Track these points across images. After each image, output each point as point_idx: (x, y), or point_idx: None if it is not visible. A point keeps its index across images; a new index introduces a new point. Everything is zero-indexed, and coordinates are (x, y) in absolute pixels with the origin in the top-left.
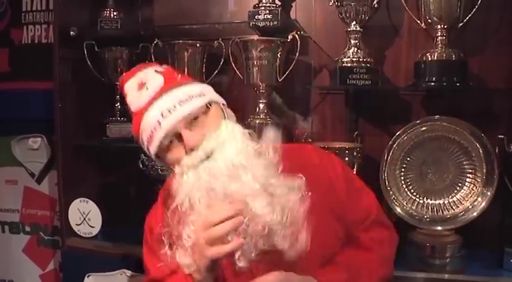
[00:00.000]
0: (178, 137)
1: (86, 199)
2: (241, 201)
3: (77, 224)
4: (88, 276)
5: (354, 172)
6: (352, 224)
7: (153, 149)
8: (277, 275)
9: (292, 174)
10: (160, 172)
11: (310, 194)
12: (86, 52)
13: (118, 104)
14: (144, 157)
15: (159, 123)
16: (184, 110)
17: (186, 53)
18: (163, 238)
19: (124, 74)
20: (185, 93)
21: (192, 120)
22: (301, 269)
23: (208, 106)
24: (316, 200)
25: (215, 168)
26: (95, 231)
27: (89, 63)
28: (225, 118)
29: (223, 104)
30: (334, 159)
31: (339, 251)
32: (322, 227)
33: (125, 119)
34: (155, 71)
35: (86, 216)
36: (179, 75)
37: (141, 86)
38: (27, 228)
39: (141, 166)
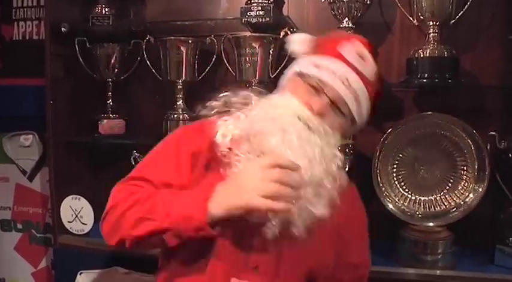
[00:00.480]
0: (317, 95)
1: (78, 196)
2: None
3: (69, 221)
4: (80, 274)
5: (346, 169)
6: (344, 268)
7: (306, 68)
8: None
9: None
10: None
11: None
12: (77, 48)
13: (110, 100)
14: (136, 154)
15: (337, 77)
16: (350, 100)
17: (178, 50)
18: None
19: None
20: (364, 96)
21: (334, 107)
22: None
23: (351, 118)
24: (331, 223)
25: (305, 134)
26: (87, 228)
27: (80, 59)
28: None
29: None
30: (364, 215)
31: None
32: (324, 247)
33: (117, 116)
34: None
35: (78, 213)
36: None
37: (361, 57)
38: (19, 226)
39: (133, 163)
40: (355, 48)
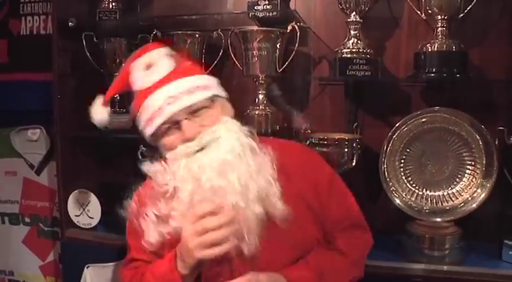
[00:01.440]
0: (177, 123)
1: (85, 190)
2: (230, 209)
3: (76, 215)
4: (87, 267)
5: (353, 164)
6: (329, 225)
7: (149, 131)
8: (248, 277)
9: (279, 170)
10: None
11: (292, 190)
12: (84, 43)
13: (117, 95)
14: (143, 148)
15: (161, 109)
16: (188, 100)
17: (185, 44)
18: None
19: (133, 53)
20: (192, 83)
21: (194, 112)
22: (270, 260)
23: (212, 100)
24: (296, 197)
25: (206, 161)
26: (94, 222)
27: (87, 54)
28: (226, 114)
29: (225, 102)
30: (320, 161)
31: (312, 249)
32: (298, 221)
33: (124, 110)
34: (166, 54)
35: (85, 207)
36: (189, 63)
37: (149, 66)
38: (27, 220)
39: (140, 157)
40: (138, 65)
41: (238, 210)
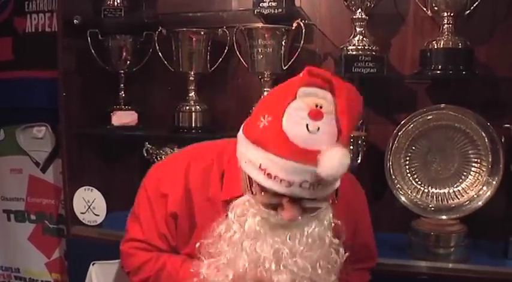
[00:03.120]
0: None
1: (91, 187)
2: None
3: (81, 213)
4: (93, 264)
5: (359, 161)
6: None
7: (256, 177)
8: None
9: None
10: None
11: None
12: (89, 40)
13: (122, 92)
14: (148, 145)
15: (290, 184)
16: (316, 193)
17: (190, 41)
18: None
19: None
20: (334, 178)
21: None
22: None
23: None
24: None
25: (278, 248)
26: (99, 219)
27: (92, 51)
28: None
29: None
30: (363, 194)
31: None
32: None
33: (129, 107)
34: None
35: (90, 204)
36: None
37: (317, 115)
38: (33, 217)
39: (145, 154)
40: (301, 113)
41: None
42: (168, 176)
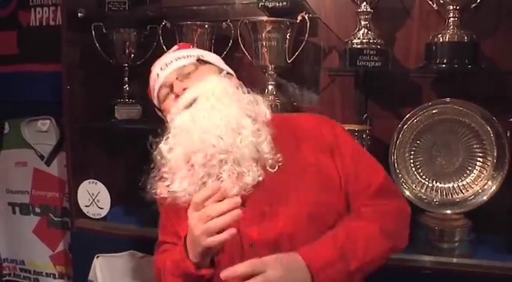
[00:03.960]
0: (172, 88)
1: (95, 180)
2: (238, 196)
3: (86, 206)
4: (97, 257)
5: None
6: (353, 192)
7: (155, 101)
8: (253, 261)
9: (289, 142)
10: None
11: (302, 159)
12: (94, 34)
13: (126, 85)
14: (152, 139)
15: (158, 76)
16: (178, 63)
17: (194, 34)
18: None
19: None
20: (185, 53)
21: (186, 75)
22: (287, 234)
23: (201, 63)
24: (308, 166)
25: (196, 112)
26: (103, 212)
27: (97, 45)
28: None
29: (228, 73)
30: (333, 124)
31: (334, 222)
32: (312, 191)
33: (133, 101)
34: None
35: (94, 197)
36: (192, 45)
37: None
38: (37, 210)
39: (149, 148)
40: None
41: (234, 148)
42: None
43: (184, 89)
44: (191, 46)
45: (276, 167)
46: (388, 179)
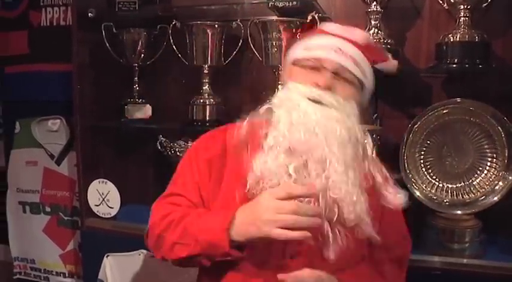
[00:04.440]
0: (319, 71)
1: (105, 180)
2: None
3: (96, 205)
4: (107, 256)
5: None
6: (381, 248)
7: (299, 53)
8: (312, 271)
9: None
10: (178, 153)
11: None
12: (104, 34)
13: (136, 85)
14: (162, 138)
15: (327, 50)
16: (349, 65)
17: (204, 34)
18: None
19: None
20: (362, 60)
21: (339, 77)
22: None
23: (359, 83)
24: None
25: (327, 117)
26: (113, 211)
27: (107, 44)
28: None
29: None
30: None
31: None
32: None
33: (143, 101)
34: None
35: (104, 197)
36: (378, 54)
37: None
38: (48, 209)
39: (159, 147)
40: (337, 25)
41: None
42: (208, 140)
43: (329, 88)
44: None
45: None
46: (409, 251)
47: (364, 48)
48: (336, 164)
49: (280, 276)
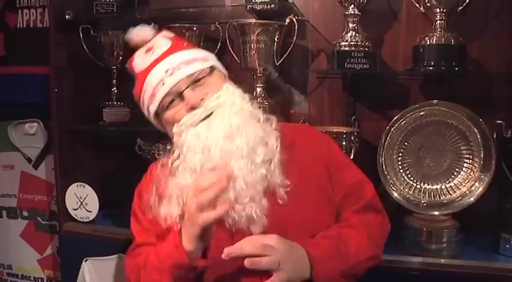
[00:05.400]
0: (180, 96)
1: (83, 184)
2: (227, 169)
3: (74, 209)
4: (86, 261)
5: (351, 156)
6: (342, 204)
7: (153, 107)
8: (274, 237)
9: (284, 149)
10: (157, 156)
11: (301, 169)
12: (81, 36)
13: (114, 88)
14: (140, 141)
15: (163, 82)
16: (188, 70)
17: (182, 37)
18: (151, 197)
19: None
20: (190, 56)
21: (195, 82)
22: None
23: (211, 70)
24: (306, 177)
25: (213, 127)
26: (92, 215)
27: (84, 47)
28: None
29: (225, 75)
30: (330, 140)
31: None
32: (309, 203)
33: (122, 103)
34: (163, 36)
35: (83, 200)
36: (186, 42)
37: (149, 50)
38: (25, 213)
39: (137, 150)
40: (139, 53)
41: (245, 173)
42: (140, 192)
43: (201, 100)
44: (182, 39)
45: (285, 199)
46: (376, 195)
47: (172, 42)
48: (242, 181)
49: (226, 250)
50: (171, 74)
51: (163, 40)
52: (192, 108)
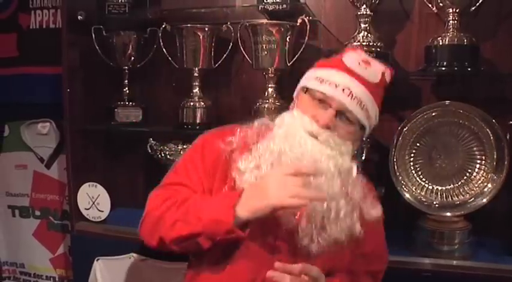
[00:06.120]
0: (325, 107)
1: (95, 183)
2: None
3: (86, 208)
4: (97, 260)
5: (363, 158)
6: (361, 261)
7: (311, 84)
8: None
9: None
10: (168, 156)
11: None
12: (94, 36)
13: (126, 88)
14: (152, 141)
15: (336, 87)
16: (353, 108)
17: (194, 37)
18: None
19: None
20: (369, 105)
21: (343, 115)
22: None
23: (360, 127)
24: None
25: (314, 148)
26: (103, 215)
27: (97, 47)
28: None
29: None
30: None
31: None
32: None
33: (133, 104)
34: (385, 69)
35: (94, 200)
36: (383, 90)
37: (366, 63)
38: (37, 213)
39: (149, 150)
40: (357, 55)
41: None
42: (217, 138)
43: (328, 127)
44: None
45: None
46: (384, 270)
47: (376, 87)
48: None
49: (270, 272)
50: (348, 94)
51: (381, 68)
52: (323, 126)
